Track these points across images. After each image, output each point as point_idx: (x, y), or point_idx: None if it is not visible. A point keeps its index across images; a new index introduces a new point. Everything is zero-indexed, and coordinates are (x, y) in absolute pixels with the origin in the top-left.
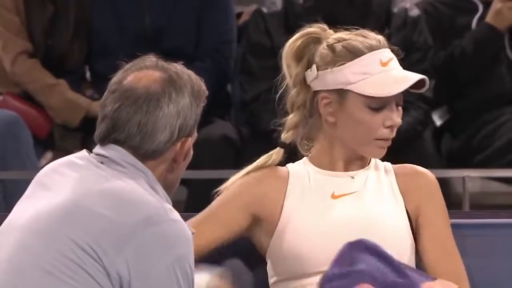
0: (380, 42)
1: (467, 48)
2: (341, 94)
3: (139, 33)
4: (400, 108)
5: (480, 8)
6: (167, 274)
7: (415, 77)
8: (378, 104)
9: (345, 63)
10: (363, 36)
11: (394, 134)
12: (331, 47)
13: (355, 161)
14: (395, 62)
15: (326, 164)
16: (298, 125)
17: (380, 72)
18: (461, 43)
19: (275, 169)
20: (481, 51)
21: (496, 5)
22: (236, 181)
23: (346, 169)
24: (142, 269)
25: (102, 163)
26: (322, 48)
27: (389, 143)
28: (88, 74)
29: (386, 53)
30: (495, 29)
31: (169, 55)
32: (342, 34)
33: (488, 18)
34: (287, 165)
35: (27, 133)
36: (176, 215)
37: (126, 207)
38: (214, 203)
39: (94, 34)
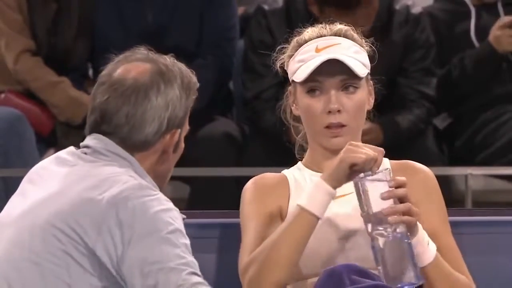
0: (331, 30)
1: (467, 66)
2: (294, 85)
3: (141, 31)
4: (350, 91)
5: (473, 11)
6: (150, 232)
7: (332, 57)
8: (310, 89)
9: (293, 54)
10: (321, 26)
11: (340, 119)
12: (291, 42)
13: None
14: (334, 48)
15: (318, 165)
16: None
17: (312, 58)
18: (462, 61)
19: (273, 176)
20: (482, 70)
21: (495, 32)
22: (246, 199)
23: None
24: (125, 235)
25: (85, 153)
26: None
27: (341, 130)
28: (90, 72)
29: (328, 40)
30: (496, 51)
31: (171, 52)
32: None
33: (490, 39)
34: (283, 171)
35: (30, 131)
36: (152, 190)
37: (104, 186)
38: (249, 225)
39: (97, 32)
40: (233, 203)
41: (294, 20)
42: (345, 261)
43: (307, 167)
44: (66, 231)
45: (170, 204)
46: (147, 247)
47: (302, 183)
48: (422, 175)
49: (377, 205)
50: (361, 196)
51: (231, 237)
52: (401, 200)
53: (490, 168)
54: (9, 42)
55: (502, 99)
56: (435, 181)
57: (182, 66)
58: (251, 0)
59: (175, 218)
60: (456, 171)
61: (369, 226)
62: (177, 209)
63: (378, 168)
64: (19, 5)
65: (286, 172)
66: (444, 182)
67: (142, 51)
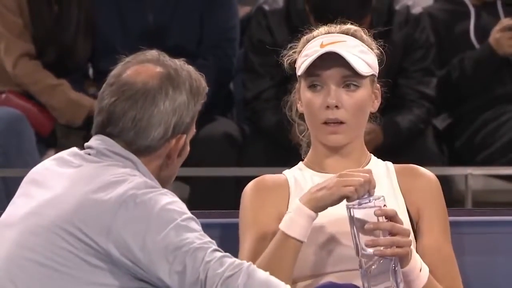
0: (340, 28)
1: (467, 67)
2: (299, 80)
3: (142, 31)
4: (350, 89)
5: (472, 12)
6: (162, 224)
7: (331, 50)
8: (312, 84)
9: (301, 50)
10: (331, 24)
11: (338, 115)
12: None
13: (349, 160)
14: (338, 45)
15: (320, 165)
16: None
17: (315, 53)
18: (462, 63)
19: (273, 178)
20: (481, 72)
21: (495, 35)
22: (245, 202)
23: (342, 169)
24: (137, 232)
25: (89, 154)
26: None
27: (339, 127)
28: (91, 72)
29: (334, 37)
30: (496, 53)
31: (172, 53)
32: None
33: (490, 41)
34: (283, 172)
35: (30, 131)
36: (157, 187)
37: (109, 187)
38: (247, 231)
39: (97, 32)
40: (233, 203)
41: (294, 20)
42: (335, 263)
43: (308, 166)
44: (73, 231)
45: (177, 198)
46: (166, 237)
47: (302, 183)
48: (426, 180)
49: (364, 233)
50: (351, 222)
51: (231, 237)
52: (390, 231)
53: (490, 168)
54: (8, 46)
55: (502, 99)
56: (438, 187)
57: (191, 70)
58: (253, 0)
59: (185, 208)
60: (456, 171)
61: (357, 250)
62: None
63: (374, 188)
64: (20, 8)
65: (286, 172)
66: (444, 182)
67: (152, 52)
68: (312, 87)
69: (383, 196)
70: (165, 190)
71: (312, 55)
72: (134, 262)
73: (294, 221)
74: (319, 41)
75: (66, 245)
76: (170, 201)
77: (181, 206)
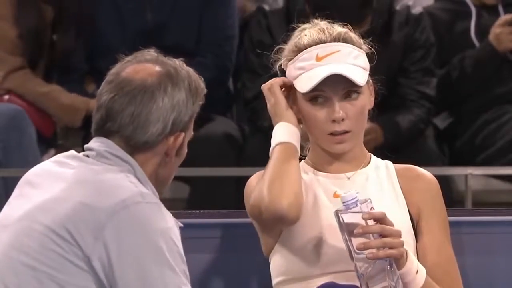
0: (330, 35)
1: (467, 66)
2: (295, 88)
3: (141, 29)
4: (352, 97)
5: (473, 11)
6: (149, 249)
7: (334, 71)
8: (313, 98)
9: (292, 58)
10: (319, 29)
11: (344, 126)
12: (289, 44)
13: (350, 161)
14: (334, 57)
15: (321, 165)
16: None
17: (313, 67)
18: (462, 62)
19: None
20: (482, 70)
21: (495, 30)
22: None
23: (343, 169)
24: (122, 248)
25: (88, 156)
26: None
27: (345, 136)
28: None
29: (327, 48)
30: (496, 50)
31: (171, 51)
32: (307, 27)
33: (490, 38)
34: None
35: (31, 127)
36: (153, 199)
37: (102, 193)
38: None
39: (96, 31)
40: (233, 203)
41: (294, 20)
42: (335, 263)
43: (310, 165)
44: (65, 236)
45: (170, 219)
46: (147, 268)
47: (304, 180)
48: (426, 182)
49: (356, 237)
50: (341, 228)
51: (231, 237)
52: (380, 234)
53: (490, 168)
54: None
55: (503, 99)
56: (438, 188)
57: (190, 70)
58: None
59: (175, 237)
60: (456, 171)
61: (350, 254)
62: (176, 222)
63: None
64: (11, 13)
65: None
66: (444, 182)
67: (151, 52)
68: (313, 100)
69: (369, 198)
70: (161, 205)
71: (310, 70)
72: (108, 280)
73: (277, 134)
74: (314, 53)
75: (57, 248)
76: (162, 228)
77: (172, 234)
